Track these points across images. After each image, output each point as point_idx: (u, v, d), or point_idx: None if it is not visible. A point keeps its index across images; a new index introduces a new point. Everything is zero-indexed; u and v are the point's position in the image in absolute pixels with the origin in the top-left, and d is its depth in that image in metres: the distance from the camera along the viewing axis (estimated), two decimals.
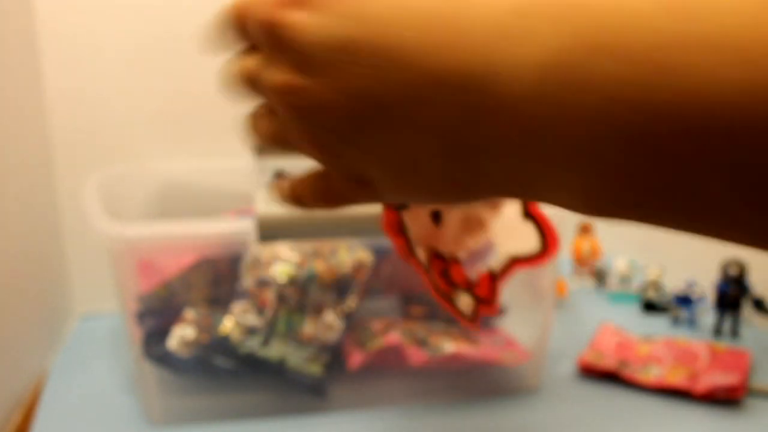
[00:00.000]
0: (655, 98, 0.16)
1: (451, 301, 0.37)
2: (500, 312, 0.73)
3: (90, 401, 0.68)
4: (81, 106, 0.81)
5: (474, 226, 0.35)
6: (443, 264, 0.36)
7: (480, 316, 0.38)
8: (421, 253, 0.36)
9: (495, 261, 0.39)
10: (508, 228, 0.38)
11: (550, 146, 0.19)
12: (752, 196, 0.16)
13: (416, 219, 0.37)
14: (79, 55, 0.80)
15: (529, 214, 0.38)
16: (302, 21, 0.22)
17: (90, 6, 0.79)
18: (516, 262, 0.37)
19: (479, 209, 0.36)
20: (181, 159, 0.84)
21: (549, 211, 0.41)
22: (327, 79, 0.22)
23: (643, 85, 0.16)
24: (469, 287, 0.37)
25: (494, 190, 0.22)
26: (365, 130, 0.22)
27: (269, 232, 0.60)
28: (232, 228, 0.60)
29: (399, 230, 0.36)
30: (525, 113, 0.19)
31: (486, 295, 0.38)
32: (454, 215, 0.36)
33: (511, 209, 0.39)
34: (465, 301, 0.37)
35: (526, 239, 0.37)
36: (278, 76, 0.24)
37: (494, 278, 0.38)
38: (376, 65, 0.21)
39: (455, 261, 0.37)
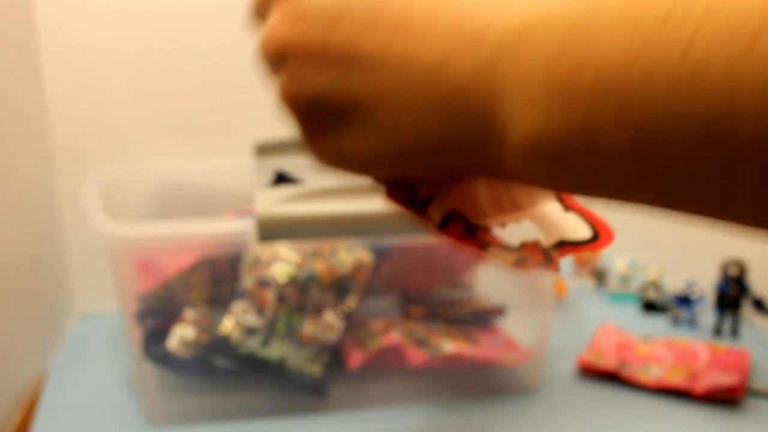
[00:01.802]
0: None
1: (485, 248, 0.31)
2: (503, 312, 0.73)
3: (90, 401, 0.68)
4: (81, 106, 0.81)
5: (506, 206, 0.32)
6: (465, 226, 0.31)
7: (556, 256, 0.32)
8: (436, 215, 0.31)
9: (542, 239, 0.34)
10: (547, 217, 0.33)
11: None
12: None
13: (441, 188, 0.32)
14: (79, 55, 0.80)
15: (570, 207, 0.34)
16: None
17: (90, 6, 0.79)
18: (567, 246, 0.32)
19: (513, 191, 0.32)
20: (181, 159, 0.84)
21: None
22: (315, 30, 0.23)
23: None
24: (509, 248, 0.31)
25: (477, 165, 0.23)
26: (343, 79, 0.23)
27: (269, 232, 0.60)
28: (232, 228, 0.60)
29: (406, 196, 0.31)
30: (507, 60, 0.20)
31: (540, 257, 0.31)
32: (483, 192, 0.31)
33: (549, 205, 0.34)
34: (505, 256, 0.31)
35: (571, 229, 0.33)
36: (282, 22, 0.25)
37: (544, 249, 0.32)
38: (361, 23, 0.23)
39: (483, 228, 0.32)
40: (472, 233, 0.30)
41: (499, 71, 0.20)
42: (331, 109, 0.24)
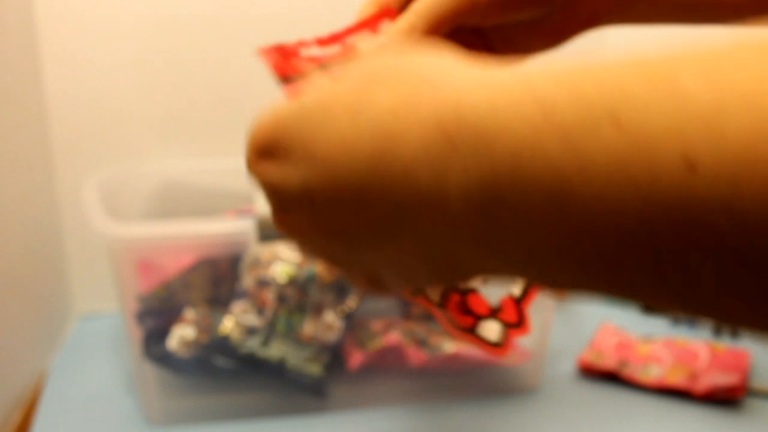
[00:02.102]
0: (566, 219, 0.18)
1: (473, 333, 0.35)
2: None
3: (90, 401, 0.68)
4: (81, 106, 0.81)
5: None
6: (460, 296, 0.35)
7: (511, 340, 0.36)
8: (433, 291, 0.34)
9: (514, 287, 0.38)
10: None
11: (499, 249, 0.21)
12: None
13: None
14: (79, 56, 0.80)
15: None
16: (270, 171, 0.26)
17: (90, 7, 0.79)
18: (535, 285, 0.37)
19: None
20: (181, 159, 0.84)
21: None
22: (302, 215, 0.25)
23: (546, 210, 0.18)
24: (494, 314, 0.36)
25: (476, 273, 0.24)
26: (351, 251, 0.25)
27: (269, 232, 0.60)
28: (232, 228, 0.60)
29: None
30: (469, 227, 0.21)
31: (514, 319, 0.36)
32: None
33: None
34: (492, 329, 0.36)
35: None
36: (272, 208, 0.27)
37: (518, 302, 0.37)
38: (333, 204, 0.24)
39: (472, 291, 0.35)
40: (465, 308, 0.34)
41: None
42: (346, 262, 0.27)
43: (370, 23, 0.39)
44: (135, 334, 0.63)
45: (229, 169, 0.82)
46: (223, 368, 0.63)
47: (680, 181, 0.15)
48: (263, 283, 0.62)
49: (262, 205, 0.61)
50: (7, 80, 0.71)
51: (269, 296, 0.62)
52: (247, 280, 0.62)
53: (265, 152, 0.26)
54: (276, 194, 0.26)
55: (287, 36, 0.89)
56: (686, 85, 0.16)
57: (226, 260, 0.65)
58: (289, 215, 0.26)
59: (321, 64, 0.36)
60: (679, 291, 0.17)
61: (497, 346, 0.31)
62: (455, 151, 0.20)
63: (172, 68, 0.82)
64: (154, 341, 0.63)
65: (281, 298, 0.62)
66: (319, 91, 0.25)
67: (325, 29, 0.90)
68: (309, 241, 0.27)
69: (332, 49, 0.37)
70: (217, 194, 0.82)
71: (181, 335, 0.62)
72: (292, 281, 0.62)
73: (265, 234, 0.60)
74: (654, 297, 0.18)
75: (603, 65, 0.18)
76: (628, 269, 0.17)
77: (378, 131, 0.22)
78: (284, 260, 0.62)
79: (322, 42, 0.37)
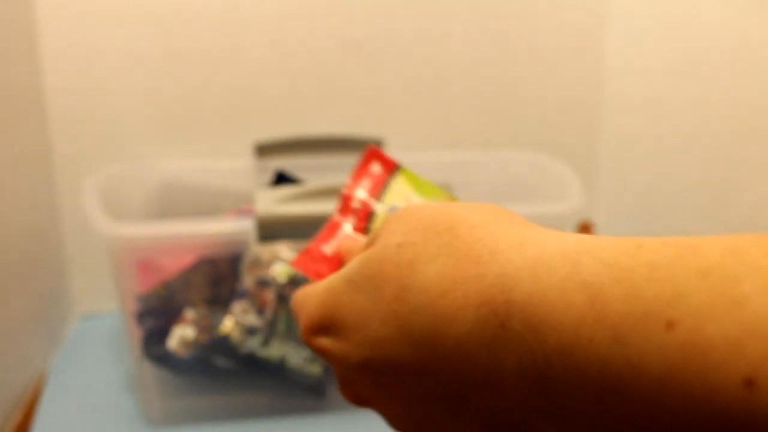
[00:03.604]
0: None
1: None
2: None
3: (90, 401, 0.68)
4: (81, 105, 0.81)
5: None
6: None
7: None
8: None
9: None
10: None
11: (559, 425, 0.21)
12: None
13: None
14: (79, 55, 0.80)
15: None
16: (329, 347, 0.27)
17: (90, 6, 0.79)
18: None
19: None
20: (181, 159, 0.84)
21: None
22: (367, 386, 0.27)
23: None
24: None
25: None
26: (415, 420, 0.26)
27: (269, 232, 0.60)
28: (232, 228, 0.60)
29: None
30: (528, 400, 0.21)
31: None
32: None
33: None
34: None
35: None
36: (337, 380, 0.29)
37: None
38: (395, 376, 0.25)
39: None
40: None
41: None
42: None
43: (362, 173, 0.39)
44: (135, 334, 0.63)
45: (229, 169, 0.82)
46: (223, 368, 0.63)
47: (737, 397, 0.15)
48: (263, 283, 0.62)
49: (262, 205, 0.61)
50: (7, 80, 0.71)
51: (269, 296, 0.62)
52: (247, 280, 0.62)
53: (321, 329, 0.27)
54: (338, 368, 0.27)
55: (288, 36, 0.90)
56: (747, 293, 0.15)
57: (226, 260, 0.65)
58: (349, 386, 0.28)
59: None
60: None
61: None
62: (506, 335, 0.20)
63: (173, 68, 0.82)
64: (154, 341, 0.63)
65: (281, 298, 0.62)
66: (363, 261, 0.26)
67: (326, 29, 0.90)
68: (382, 409, 0.27)
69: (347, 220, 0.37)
70: (217, 194, 0.82)
71: (181, 335, 0.62)
72: (292, 281, 0.62)
73: (265, 234, 0.60)
74: None
75: (655, 251, 0.18)
76: None
77: (428, 310, 0.23)
78: (284, 260, 0.62)
79: (335, 224, 0.37)
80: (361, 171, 0.38)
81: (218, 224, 0.60)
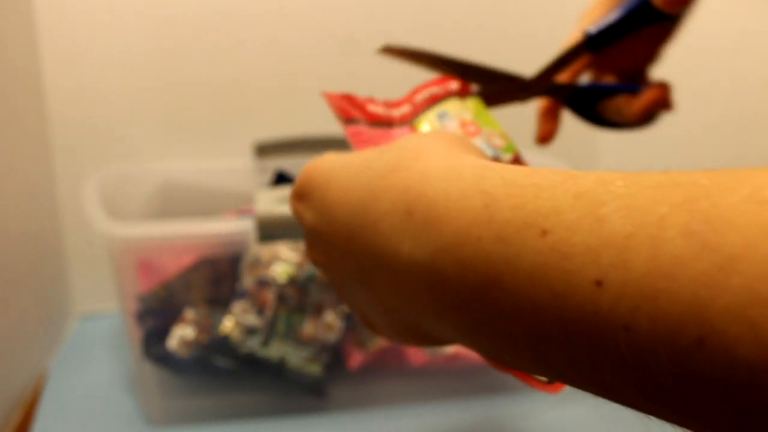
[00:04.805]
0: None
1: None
2: None
3: (90, 401, 0.68)
4: (81, 105, 0.81)
5: None
6: None
7: None
8: None
9: None
10: None
11: (442, 318, 0.24)
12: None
13: None
14: (79, 55, 0.80)
15: None
16: (298, 210, 0.32)
17: (90, 6, 0.79)
18: None
19: None
20: (181, 159, 0.84)
21: None
22: (317, 250, 0.31)
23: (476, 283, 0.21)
24: None
25: (432, 338, 0.27)
26: (346, 288, 0.30)
27: (269, 232, 0.60)
28: (232, 228, 0.59)
29: None
30: (416, 291, 0.24)
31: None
32: None
33: None
34: None
35: None
36: (305, 242, 0.33)
37: None
38: (327, 247, 0.29)
39: None
40: None
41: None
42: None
43: (438, 82, 0.44)
44: (135, 334, 0.63)
45: (229, 169, 0.82)
46: (223, 368, 0.63)
47: (589, 293, 0.17)
48: (263, 283, 0.62)
49: (262, 205, 0.61)
50: (7, 80, 0.71)
51: (269, 296, 0.62)
52: (247, 280, 0.62)
53: (298, 194, 0.32)
54: (304, 230, 0.31)
55: (288, 36, 0.90)
56: (607, 213, 0.18)
57: (226, 260, 0.65)
58: (310, 249, 0.31)
59: (386, 121, 0.40)
60: (590, 380, 0.19)
61: (549, 382, 0.31)
62: (410, 220, 0.24)
63: (173, 68, 0.82)
64: (154, 341, 0.63)
65: (281, 298, 0.62)
66: (352, 153, 0.30)
67: (326, 28, 0.90)
68: (324, 273, 0.31)
69: (398, 111, 0.41)
70: (217, 194, 0.82)
71: (181, 335, 0.62)
72: (292, 281, 0.62)
73: (265, 234, 0.60)
74: (571, 381, 0.20)
75: (544, 177, 0.21)
76: (549, 356, 0.20)
77: (366, 187, 0.27)
78: (284, 260, 0.62)
79: (390, 104, 0.42)
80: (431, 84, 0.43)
81: (218, 224, 0.60)
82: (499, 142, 0.39)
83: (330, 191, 0.29)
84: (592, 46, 0.46)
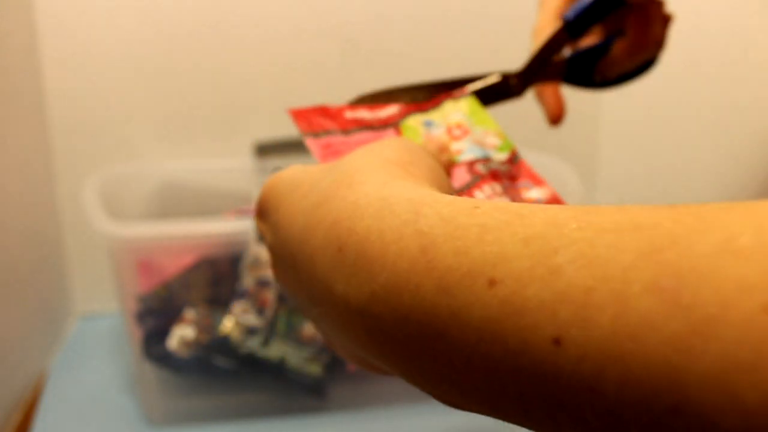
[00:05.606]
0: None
1: None
2: None
3: (90, 401, 0.68)
4: (81, 105, 0.81)
5: None
6: None
7: None
8: None
9: None
10: None
11: (382, 359, 0.22)
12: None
13: None
14: (79, 55, 0.80)
15: None
16: (259, 227, 0.31)
17: (90, 6, 0.79)
18: None
19: None
20: (181, 159, 0.84)
21: None
22: (276, 268, 0.29)
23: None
24: None
25: (379, 368, 0.26)
26: (305, 311, 0.28)
27: None
28: (232, 228, 0.60)
29: None
30: (353, 329, 0.22)
31: None
32: None
33: None
34: None
35: None
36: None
37: None
38: (283, 266, 0.28)
39: None
40: None
41: None
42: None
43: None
44: (135, 334, 0.63)
45: (229, 169, 0.82)
46: (223, 368, 0.63)
47: (547, 352, 0.16)
48: (263, 283, 0.62)
49: None
50: (7, 80, 0.71)
51: (269, 296, 0.62)
52: (247, 280, 0.62)
53: (258, 211, 0.31)
54: (267, 248, 0.30)
55: (287, 35, 0.90)
56: (560, 263, 0.16)
57: (226, 260, 0.65)
58: (272, 266, 0.30)
59: (367, 125, 0.39)
60: None
61: None
62: (341, 259, 0.22)
63: (173, 68, 0.82)
64: (154, 341, 0.63)
65: (281, 298, 0.62)
66: (310, 167, 0.29)
67: (326, 29, 0.90)
68: (288, 293, 0.30)
69: (384, 112, 0.40)
70: (217, 194, 0.82)
71: (181, 335, 0.62)
72: None
73: None
74: (530, 429, 0.19)
75: (488, 215, 0.19)
76: (505, 411, 0.18)
77: (306, 215, 0.25)
78: None
79: (375, 107, 0.41)
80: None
81: (218, 224, 0.60)
82: (493, 140, 0.39)
83: (280, 213, 0.27)
84: (572, 31, 0.46)
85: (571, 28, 0.45)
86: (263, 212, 0.30)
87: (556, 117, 0.49)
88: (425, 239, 0.20)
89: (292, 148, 0.79)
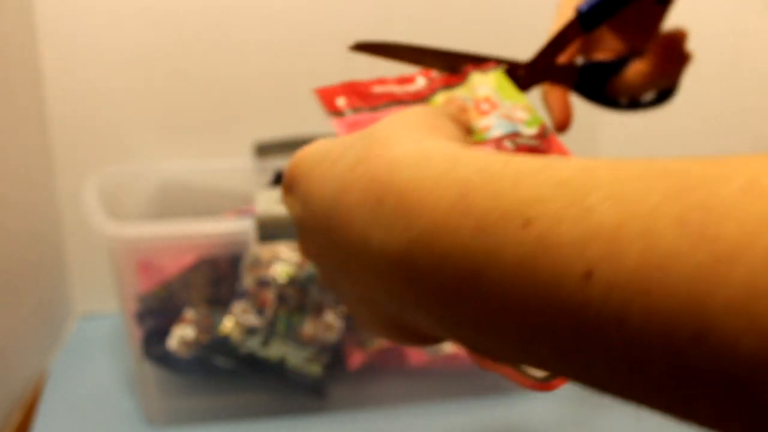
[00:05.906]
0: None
1: (516, 367, 0.33)
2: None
3: (90, 401, 0.68)
4: (81, 105, 0.81)
5: None
6: None
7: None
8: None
9: None
10: None
11: (420, 310, 0.22)
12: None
13: None
14: (79, 55, 0.80)
15: None
16: (288, 202, 0.31)
17: (90, 6, 0.79)
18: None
19: None
20: (181, 159, 0.84)
21: None
22: (304, 241, 0.30)
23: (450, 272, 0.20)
24: None
25: (414, 332, 0.26)
26: (331, 281, 0.29)
27: (269, 232, 0.60)
28: (232, 228, 0.60)
29: None
30: (391, 282, 0.23)
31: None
32: None
33: None
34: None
35: None
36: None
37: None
38: (312, 238, 0.28)
39: None
40: None
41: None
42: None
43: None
44: (135, 334, 0.63)
45: (229, 169, 0.82)
46: (223, 368, 0.63)
47: (577, 287, 0.17)
48: (263, 283, 0.62)
49: (263, 205, 0.61)
50: (7, 80, 0.71)
51: (269, 296, 0.62)
52: (247, 280, 0.62)
53: (286, 185, 0.31)
54: (294, 222, 0.31)
55: (287, 35, 0.90)
56: (593, 203, 0.17)
57: (226, 260, 0.65)
58: (300, 241, 0.30)
59: (396, 100, 0.39)
60: (581, 374, 0.18)
61: (541, 382, 0.30)
62: (380, 211, 0.23)
63: (173, 68, 0.82)
64: (154, 341, 0.63)
65: (281, 298, 0.62)
66: (337, 138, 0.29)
67: (326, 29, 0.90)
68: (313, 265, 0.30)
69: (413, 87, 0.40)
70: (217, 194, 0.83)
71: (181, 335, 0.62)
72: (292, 281, 0.62)
73: (265, 234, 0.60)
74: (562, 374, 0.19)
75: (523, 163, 0.20)
76: (538, 350, 0.19)
77: (339, 179, 0.26)
78: (284, 260, 0.62)
79: (404, 80, 0.40)
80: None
81: (218, 224, 0.60)
82: (522, 115, 0.38)
83: (311, 182, 0.28)
84: (585, 24, 0.45)
85: (584, 20, 0.45)
86: (291, 185, 0.30)
87: (562, 123, 0.49)
88: (463, 186, 0.20)
89: (292, 148, 0.79)
